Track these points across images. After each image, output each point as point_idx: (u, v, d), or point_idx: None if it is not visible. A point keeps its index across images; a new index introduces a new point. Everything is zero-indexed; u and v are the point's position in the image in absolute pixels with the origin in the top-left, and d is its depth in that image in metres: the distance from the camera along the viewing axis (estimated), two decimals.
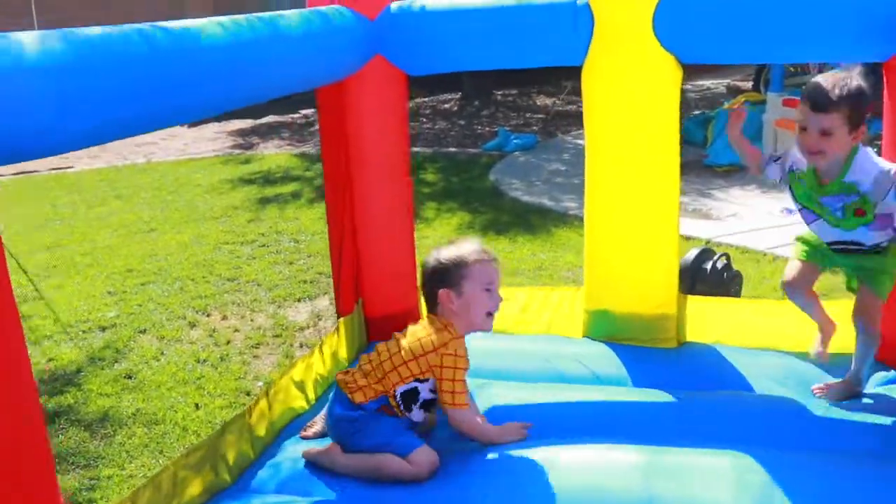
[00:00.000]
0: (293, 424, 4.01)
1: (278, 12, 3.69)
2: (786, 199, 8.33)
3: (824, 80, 3.47)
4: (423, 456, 3.38)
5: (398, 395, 3.53)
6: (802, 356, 4.23)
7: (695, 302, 4.71)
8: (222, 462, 3.55)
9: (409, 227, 4.88)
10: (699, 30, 4.02)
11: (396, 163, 4.69)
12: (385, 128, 4.61)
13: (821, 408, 3.70)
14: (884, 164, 3.53)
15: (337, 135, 4.59)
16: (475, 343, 3.66)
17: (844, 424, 3.57)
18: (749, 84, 14.43)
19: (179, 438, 4.85)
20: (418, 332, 3.56)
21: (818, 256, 3.92)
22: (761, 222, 7.89)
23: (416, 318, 4.09)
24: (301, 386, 4.21)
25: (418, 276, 3.80)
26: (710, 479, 3.12)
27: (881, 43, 3.77)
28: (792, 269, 3.99)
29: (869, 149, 3.59)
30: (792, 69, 10.42)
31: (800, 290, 3.98)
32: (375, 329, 4.82)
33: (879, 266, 3.73)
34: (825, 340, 4.01)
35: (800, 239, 4.01)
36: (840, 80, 3.43)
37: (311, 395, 4.26)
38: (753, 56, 4.31)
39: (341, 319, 4.68)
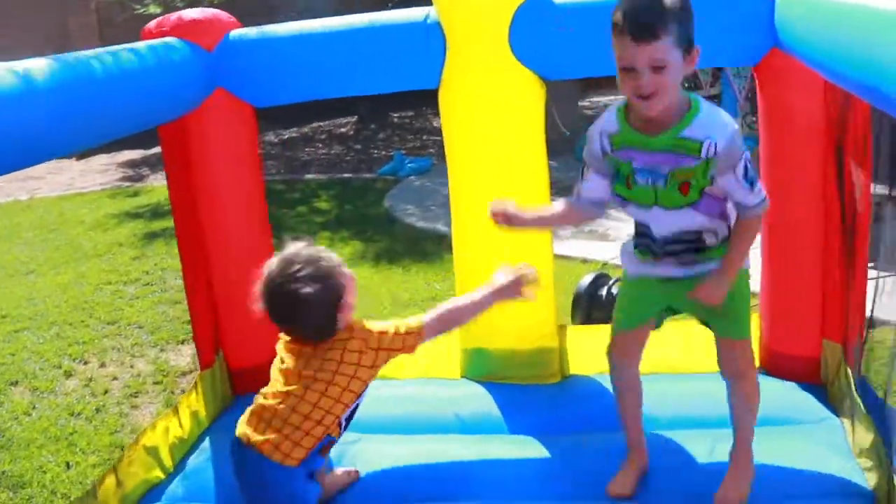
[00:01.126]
0: (148, 497, 3.69)
1: (105, 49, 3.37)
2: None
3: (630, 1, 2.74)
4: None
5: (343, 423, 3.20)
6: (696, 377, 4.14)
7: (577, 332, 4.52)
8: None
9: None
10: (558, 43, 3.84)
11: (250, 198, 4.37)
12: (233, 163, 4.28)
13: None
14: (731, 120, 2.88)
15: (183, 174, 4.26)
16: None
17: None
18: None
19: (46, 503, 4.51)
20: (346, 357, 3.13)
21: (645, 307, 3.29)
22: None
23: None
24: (155, 453, 3.86)
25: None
26: None
27: (751, 46, 3.67)
28: (616, 342, 3.40)
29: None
30: (685, 85, 10.42)
31: (625, 363, 3.40)
32: (241, 382, 4.49)
33: (728, 302, 3.00)
34: (630, 475, 3.35)
35: (618, 310, 3.43)
36: None
37: (168, 463, 3.93)
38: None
39: (199, 374, 4.38)
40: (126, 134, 3.48)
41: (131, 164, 14.62)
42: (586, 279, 5.83)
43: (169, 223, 10.03)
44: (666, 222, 2.98)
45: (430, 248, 8.25)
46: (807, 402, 3.83)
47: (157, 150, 15.22)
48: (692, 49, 2.75)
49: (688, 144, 2.79)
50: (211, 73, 4.04)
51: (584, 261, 7.34)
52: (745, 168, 2.80)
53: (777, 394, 3.91)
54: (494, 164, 4.03)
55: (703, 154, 2.79)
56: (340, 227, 9.40)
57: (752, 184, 2.83)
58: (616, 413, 3.54)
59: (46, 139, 2.90)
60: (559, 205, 3.27)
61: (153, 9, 13.22)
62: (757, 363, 4.11)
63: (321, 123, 16.58)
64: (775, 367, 4.10)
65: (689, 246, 3.02)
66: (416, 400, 4.21)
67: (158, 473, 3.84)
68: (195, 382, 4.34)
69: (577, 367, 4.32)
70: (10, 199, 12.52)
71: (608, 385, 4.02)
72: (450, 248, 8.00)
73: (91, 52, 3.25)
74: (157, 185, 12.54)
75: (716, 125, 2.80)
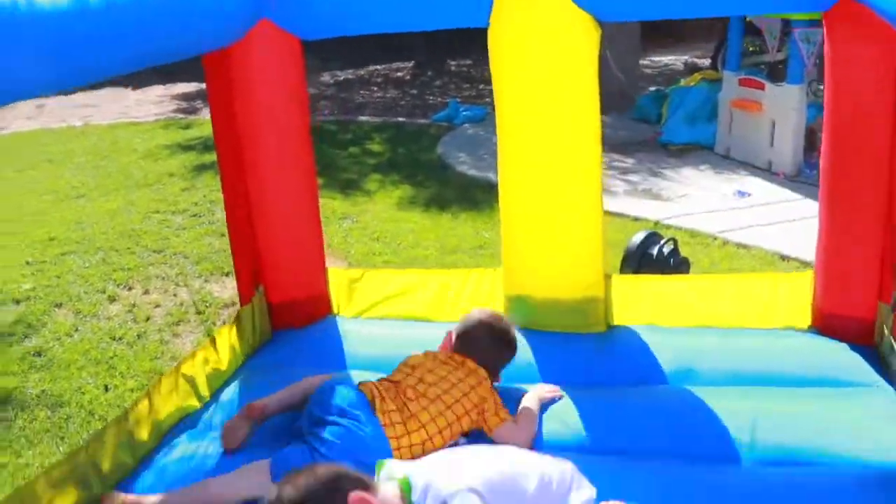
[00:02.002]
0: (182, 425, 3.65)
1: None
2: (739, 182, 8.15)
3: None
4: None
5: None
6: (738, 332, 4.05)
7: (623, 281, 4.41)
8: (95, 474, 3.19)
9: (313, 205, 4.45)
10: None
11: (293, 136, 4.24)
12: (277, 99, 4.16)
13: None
14: None
15: (227, 108, 4.15)
16: (385, 331, 3.38)
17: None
18: (707, 62, 14.18)
19: (84, 424, 4.52)
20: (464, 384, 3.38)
21: None
22: (713, 205, 7.63)
23: (324, 303, 3.71)
24: (192, 381, 3.84)
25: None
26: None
27: None
28: None
29: None
30: (750, 49, 10.17)
31: None
32: (280, 316, 4.44)
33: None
34: None
35: None
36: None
37: (205, 392, 3.90)
38: (683, 10, 3.83)
39: (239, 308, 4.33)
40: (165, 61, 3.33)
41: (185, 96, 14.62)
42: (637, 237, 5.71)
43: None
44: None
45: (481, 196, 8.14)
46: (858, 365, 3.70)
47: None
48: None
49: None
50: (256, 2, 3.89)
51: (636, 219, 7.20)
52: None
53: (828, 354, 3.82)
54: (543, 110, 3.89)
55: None
56: (392, 171, 9.31)
57: None
58: (659, 366, 3.50)
59: (90, 60, 2.80)
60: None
61: None
62: (809, 322, 4.05)
63: (378, 67, 16.48)
64: (827, 326, 3.99)
65: None
66: None
67: (194, 402, 3.81)
68: (236, 316, 4.29)
69: (621, 318, 4.22)
70: (64, 125, 12.57)
71: (652, 337, 3.94)
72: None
73: None
74: (209, 119, 12.49)
75: None
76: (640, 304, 4.28)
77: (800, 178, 8.25)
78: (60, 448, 4.29)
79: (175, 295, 6.10)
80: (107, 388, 4.85)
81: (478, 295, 4.57)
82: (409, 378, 3.38)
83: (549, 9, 3.73)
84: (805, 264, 6.13)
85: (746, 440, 3.20)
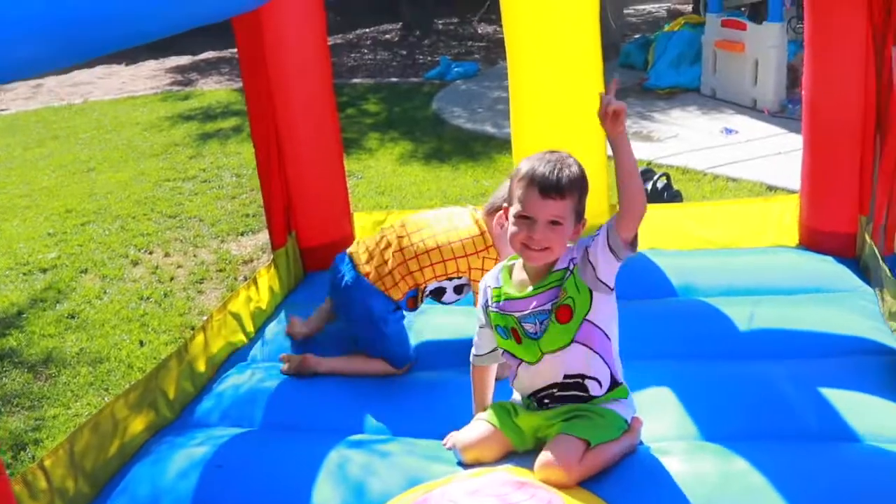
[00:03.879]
0: (233, 358, 4.01)
1: None
2: (725, 120, 8.45)
3: (542, 162, 2.80)
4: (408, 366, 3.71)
5: (427, 290, 3.71)
6: (732, 252, 4.42)
7: None
8: (162, 398, 3.55)
9: (338, 154, 4.84)
10: None
11: (320, 88, 4.61)
12: (306, 54, 4.51)
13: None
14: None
15: (256, 65, 4.47)
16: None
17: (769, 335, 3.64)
18: (689, 7, 14.42)
19: (125, 375, 4.84)
20: (460, 231, 3.65)
21: (509, 431, 2.98)
22: (702, 143, 7.94)
23: (350, 244, 4.05)
24: (238, 318, 4.19)
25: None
26: None
27: None
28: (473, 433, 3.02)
29: None
30: None
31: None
32: (311, 259, 4.80)
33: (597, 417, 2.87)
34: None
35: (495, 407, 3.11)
36: (561, 162, 2.81)
37: (250, 328, 4.25)
38: None
39: (276, 252, 4.67)
40: (203, 23, 3.61)
41: (180, 69, 14.83)
42: None
43: (222, 124, 10.31)
44: (551, 370, 2.90)
45: (478, 148, 8.44)
46: (842, 273, 4.10)
47: (206, 55, 15.53)
48: (582, 218, 2.86)
49: (558, 275, 2.85)
50: None
51: None
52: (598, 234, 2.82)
53: (815, 265, 4.20)
54: (554, 57, 4.25)
55: (569, 267, 2.83)
56: (390, 128, 9.60)
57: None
58: (663, 282, 3.85)
59: (126, 23, 3.01)
60: (478, 376, 3.17)
61: None
62: (797, 240, 4.40)
63: (366, 30, 16.68)
64: (813, 242, 4.38)
65: (574, 395, 2.92)
66: None
67: (241, 337, 4.18)
68: (272, 259, 4.63)
69: None
70: (64, 104, 12.80)
71: (655, 259, 4.28)
72: (497, 149, 8.30)
73: None
74: (206, 90, 12.76)
75: (571, 250, 2.87)
76: (641, 231, 4.61)
77: (784, 114, 8.54)
78: (105, 399, 4.60)
79: (195, 256, 6.41)
80: (142, 343, 5.16)
81: None
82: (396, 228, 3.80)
83: None
84: (791, 192, 6.45)
85: (746, 338, 3.58)
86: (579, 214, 2.84)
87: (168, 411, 3.56)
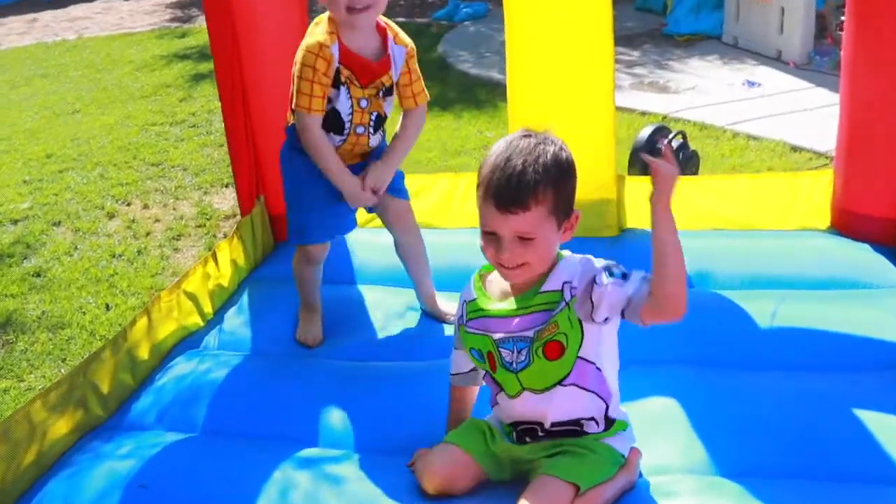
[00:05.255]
0: (184, 343, 3.57)
1: None
2: (748, 72, 7.93)
3: (506, 154, 2.31)
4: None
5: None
6: (755, 234, 3.94)
7: (634, 183, 4.27)
8: (93, 394, 3.12)
9: None
10: None
11: (292, 31, 4.01)
12: None
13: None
14: (581, 257, 2.45)
15: (223, 13, 3.98)
16: (386, 239, 3.28)
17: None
18: None
19: (85, 344, 4.45)
20: None
21: (483, 457, 2.53)
22: (722, 96, 7.43)
23: None
24: (194, 298, 3.72)
25: None
26: None
27: None
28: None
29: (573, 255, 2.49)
30: None
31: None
32: (282, 227, 4.22)
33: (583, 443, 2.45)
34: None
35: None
36: (528, 157, 2.30)
37: (208, 309, 3.80)
38: None
39: (240, 222, 4.20)
40: None
41: (180, 4, 14.29)
42: (645, 131, 5.55)
43: None
44: (534, 410, 2.44)
45: (483, 95, 7.96)
46: (881, 265, 3.59)
47: None
48: (570, 215, 2.39)
49: (548, 297, 2.37)
50: None
51: (643, 113, 7.03)
52: (608, 271, 2.34)
53: (849, 254, 3.70)
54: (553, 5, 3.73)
55: (565, 297, 2.35)
56: None
57: (624, 276, 2.35)
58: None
59: None
60: (457, 396, 2.73)
61: None
62: (828, 223, 3.92)
63: None
64: (847, 227, 3.87)
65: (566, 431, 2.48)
66: (464, 248, 4.01)
67: (197, 320, 3.73)
68: (235, 229, 4.16)
69: (634, 220, 4.09)
70: (58, 39, 12.30)
71: None
72: (503, 96, 7.77)
73: None
74: (205, 27, 12.22)
75: (569, 268, 2.40)
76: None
77: (810, 67, 8.03)
78: (62, 370, 4.22)
79: (175, 209, 5.99)
80: (108, 307, 4.77)
81: None
82: None
83: None
84: (818, 154, 5.99)
85: (768, 342, 3.11)
86: (564, 211, 2.36)
87: (100, 409, 3.12)
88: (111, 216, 5.98)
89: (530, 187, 2.26)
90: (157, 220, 5.84)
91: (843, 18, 8.62)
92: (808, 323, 3.17)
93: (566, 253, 2.47)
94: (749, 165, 5.93)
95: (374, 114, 3.33)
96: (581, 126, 3.85)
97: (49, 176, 6.79)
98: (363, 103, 3.27)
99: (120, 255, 5.36)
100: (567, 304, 2.34)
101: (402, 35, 3.37)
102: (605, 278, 2.31)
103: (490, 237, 2.35)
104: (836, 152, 3.96)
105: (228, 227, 5.60)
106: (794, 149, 6.16)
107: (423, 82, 3.42)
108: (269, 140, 4.06)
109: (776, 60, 8.29)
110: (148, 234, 5.65)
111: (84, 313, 4.72)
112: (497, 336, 2.43)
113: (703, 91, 7.59)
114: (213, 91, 8.60)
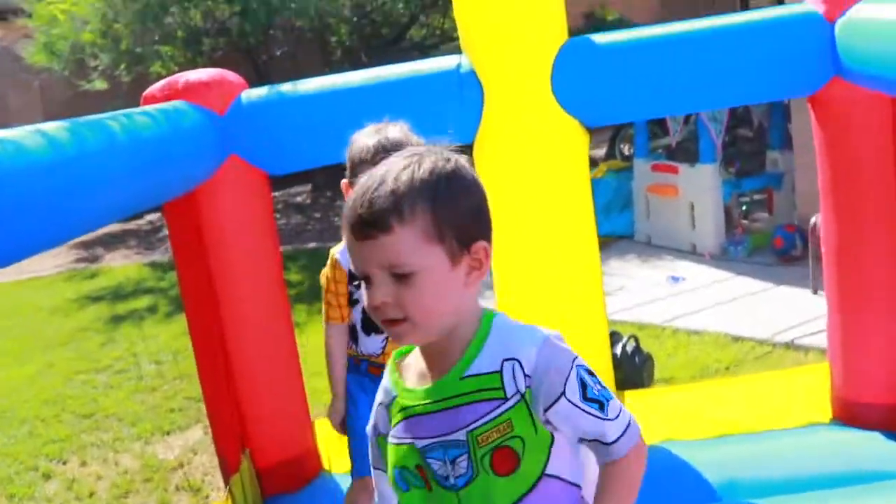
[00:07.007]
0: None
1: (109, 114, 3.04)
2: (667, 267, 8.12)
3: (365, 177, 1.77)
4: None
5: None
6: (765, 436, 3.90)
7: (630, 398, 4.22)
8: None
9: (293, 351, 4.18)
10: (605, 87, 3.65)
11: (270, 279, 4.01)
12: (250, 240, 3.94)
13: None
14: (538, 328, 1.84)
15: (195, 256, 3.89)
16: None
17: None
18: (602, 151, 14.31)
19: None
20: None
21: None
22: (650, 294, 7.56)
23: (314, 460, 3.46)
24: None
25: None
26: None
27: (806, 75, 3.50)
28: None
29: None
30: (655, 130, 10.25)
31: None
32: (270, 482, 4.03)
33: None
34: None
35: None
36: (396, 166, 1.77)
37: None
38: (668, 109, 3.87)
39: (231, 479, 3.95)
40: (132, 213, 3.16)
41: (83, 244, 14.11)
42: None
43: (135, 304, 9.64)
44: None
45: None
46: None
47: (109, 229, 14.83)
48: (471, 246, 1.77)
49: (481, 382, 1.77)
50: (224, 139, 3.72)
51: None
52: (582, 382, 1.78)
53: (859, 446, 3.67)
54: (541, 223, 3.75)
55: (507, 390, 1.75)
56: (315, 299, 9.00)
57: (601, 404, 1.78)
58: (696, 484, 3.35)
59: (39, 226, 2.55)
60: None
61: (98, 85, 12.84)
62: (830, 415, 3.91)
63: (275, 194, 16.24)
64: (851, 417, 3.86)
65: None
66: None
67: None
68: (228, 490, 3.86)
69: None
70: None
71: (680, 454, 3.81)
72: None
73: (95, 118, 2.91)
74: (114, 266, 12.10)
75: (509, 338, 1.80)
76: (651, 421, 4.09)
77: (726, 257, 8.28)
78: None
79: (116, 463, 5.69)
80: None
81: None
82: None
83: (539, 118, 3.65)
84: (760, 342, 6.08)
85: None
86: (457, 238, 1.75)
87: None
88: (47, 477, 5.64)
89: (389, 200, 1.71)
90: (100, 478, 5.52)
91: (744, 208, 9.04)
92: None
93: (494, 311, 1.87)
94: (696, 361, 5.98)
95: None
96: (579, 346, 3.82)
97: None
98: None
99: None
100: (521, 395, 1.75)
101: None
102: (576, 396, 1.76)
103: (366, 284, 1.76)
104: (829, 343, 3.99)
105: (178, 478, 5.33)
106: (736, 339, 6.26)
107: None
108: (254, 388, 3.98)
109: (692, 253, 8.53)
110: (91, 494, 5.33)
111: None
112: (422, 443, 1.81)
113: (630, 291, 7.71)
114: (135, 332, 8.44)
